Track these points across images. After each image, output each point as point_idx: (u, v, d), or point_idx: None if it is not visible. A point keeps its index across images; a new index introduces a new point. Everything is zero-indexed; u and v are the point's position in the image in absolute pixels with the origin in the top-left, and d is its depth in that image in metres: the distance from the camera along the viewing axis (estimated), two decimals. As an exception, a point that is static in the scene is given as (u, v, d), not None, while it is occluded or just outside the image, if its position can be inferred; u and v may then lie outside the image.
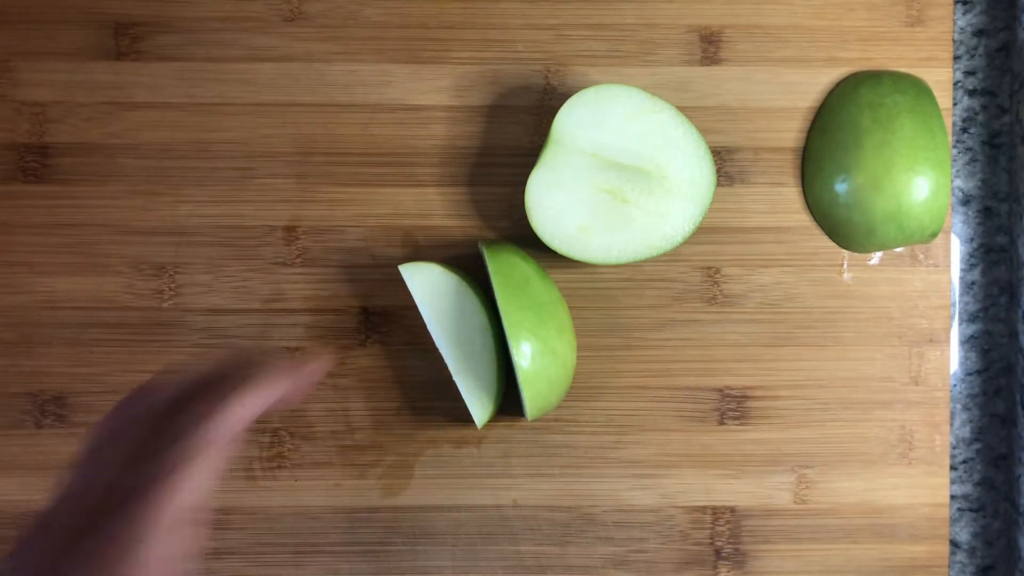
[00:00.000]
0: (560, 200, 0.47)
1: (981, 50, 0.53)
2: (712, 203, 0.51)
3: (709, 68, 0.51)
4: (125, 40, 0.50)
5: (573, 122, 0.46)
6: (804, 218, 0.51)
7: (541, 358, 0.44)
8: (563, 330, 0.46)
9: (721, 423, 0.51)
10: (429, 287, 0.47)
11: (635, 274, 0.51)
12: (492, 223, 0.51)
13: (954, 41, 0.53)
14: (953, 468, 0.53)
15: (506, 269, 0.45)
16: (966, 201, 0.53)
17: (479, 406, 0.47)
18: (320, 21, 0.50)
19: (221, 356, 0.40)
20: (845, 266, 0.51)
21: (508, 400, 0.51)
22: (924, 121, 0.47)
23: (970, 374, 0.53)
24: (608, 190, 0.46)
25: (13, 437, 0.50)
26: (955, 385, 0.53)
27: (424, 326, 0.50)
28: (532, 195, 0.47)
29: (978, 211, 0.53)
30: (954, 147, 0.53)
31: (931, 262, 0.51)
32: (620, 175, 0.47)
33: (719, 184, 0.51)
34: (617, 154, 0.47)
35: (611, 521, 0.51)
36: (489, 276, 0.47)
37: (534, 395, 0.45)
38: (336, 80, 0.51)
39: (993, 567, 0.53)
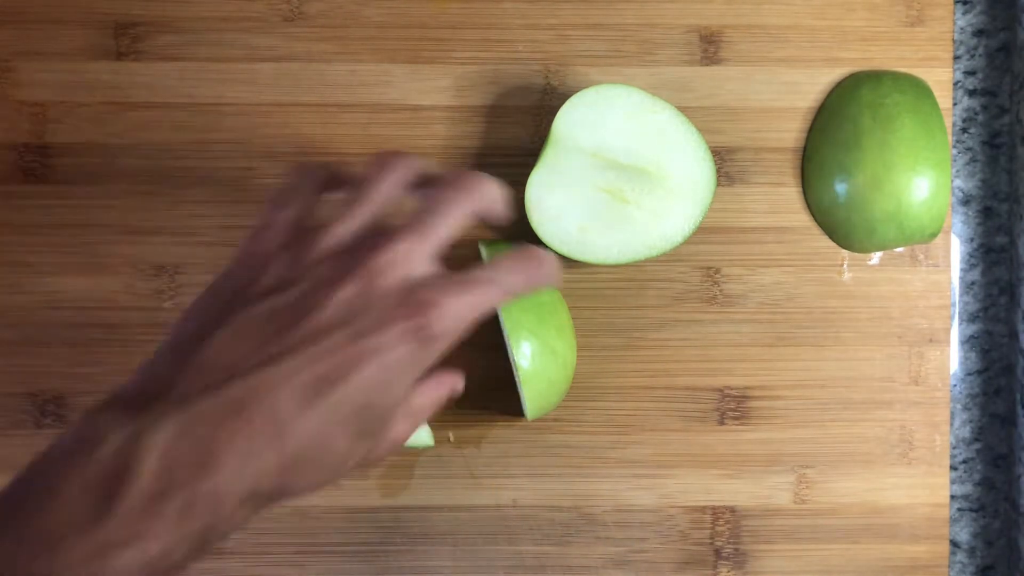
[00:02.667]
0: (560, 200, 0.47)
1: (981, 50, 0.53)
2: (712, 203, 0.51)
3: (709, 68, 0.51)
4: (125, 40, 0.50)
5: (573, 122, 0.46)
6: (804, 218, 0.51)
7: (541, 358, 0.44)
8: (563, 330, 0.46)
9: (721, 423, 0.51)
10: None
11: (635, 274, 0.51)
12: (492, 223, 0.51)
13: (954, 41, 0.53)
14: (953, 468, 0.53)
15: None
16: (966, 201, 0.53)
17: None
18: (320, 21, 0.51)
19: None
20: (845, 266, 0.51)
21: (508, 400, 0.51)
22: (924, 121, 0.47)
23: (970, 374, 0.53)
24: (608, 190, 0.46)
25: (13, 437, 0.50)
26: (955, 385, 0.53)
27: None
28: (532, 195, 0.47)
29: (978, 211, 0.53)
30: (954, 147, 0.53)
31: (931, 262, 0.51)
32: (620, 175, 0.47)
33: (719, 184, 0.51)
34: (617, 154, 0.47)
35: (611, 521, 0.51)
36: None
37: (534, 395, 0.45)
38: (336, 80, 0.51)
39: (993, 567, 0.53)
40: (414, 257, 0.33)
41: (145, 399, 0.30)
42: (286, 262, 0.34)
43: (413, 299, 0.32)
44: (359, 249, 0.33)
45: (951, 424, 0.53)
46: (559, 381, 0.46)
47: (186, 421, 0.29)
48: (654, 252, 0.47)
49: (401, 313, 0.32)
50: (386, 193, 0.36)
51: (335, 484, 0.36)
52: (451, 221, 0.35)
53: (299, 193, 0.37)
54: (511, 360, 0.45)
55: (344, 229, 0.34)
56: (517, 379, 0.45)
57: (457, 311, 0.33)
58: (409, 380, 0.33)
